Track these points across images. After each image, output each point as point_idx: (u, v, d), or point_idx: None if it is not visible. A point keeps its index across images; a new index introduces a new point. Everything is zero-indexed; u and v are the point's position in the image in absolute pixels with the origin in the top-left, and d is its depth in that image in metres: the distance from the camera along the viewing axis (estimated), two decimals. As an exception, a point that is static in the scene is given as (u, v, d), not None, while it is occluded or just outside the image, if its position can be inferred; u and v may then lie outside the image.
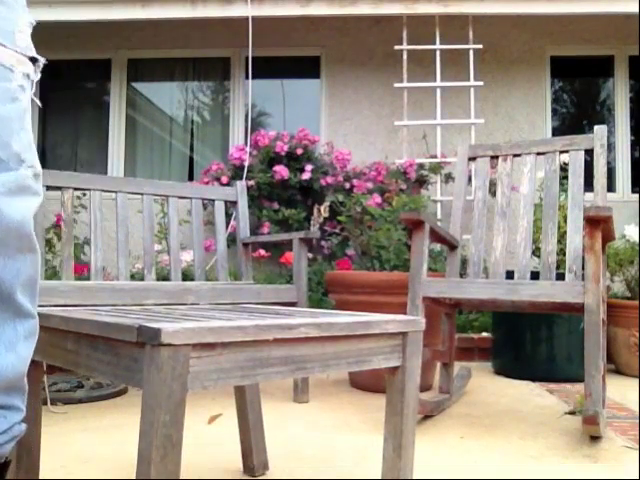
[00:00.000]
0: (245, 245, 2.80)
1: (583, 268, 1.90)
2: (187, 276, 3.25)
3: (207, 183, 4.21)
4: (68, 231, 2.40)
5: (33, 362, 1.18)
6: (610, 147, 4.77)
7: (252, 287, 2.43)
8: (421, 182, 4.28)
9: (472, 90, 4.30)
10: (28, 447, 1.19)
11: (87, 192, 2.51)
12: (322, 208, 3.75)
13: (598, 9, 4.10)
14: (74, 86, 5.14)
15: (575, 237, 2.17)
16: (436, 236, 2.23)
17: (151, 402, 0.84)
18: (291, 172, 4.14)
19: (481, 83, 4.30)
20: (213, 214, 2.81)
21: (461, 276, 2.48)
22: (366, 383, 2.61)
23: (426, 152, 4.45)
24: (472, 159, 2.54)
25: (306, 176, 4.09)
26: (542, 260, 2.21)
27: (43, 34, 4.97)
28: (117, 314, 1.10)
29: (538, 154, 2.38)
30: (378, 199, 3.90)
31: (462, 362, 3.22)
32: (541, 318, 2.94)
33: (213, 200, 2.80)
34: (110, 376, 0.95)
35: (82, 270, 2.99)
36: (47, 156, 5.11)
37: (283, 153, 4.16)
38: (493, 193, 3.65)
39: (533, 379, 2.93)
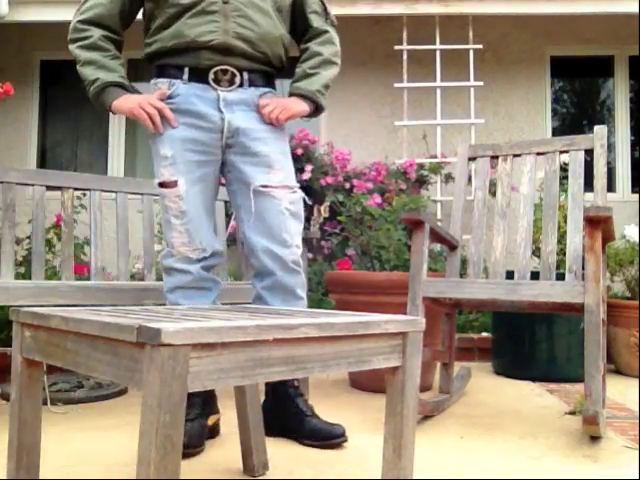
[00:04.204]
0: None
1: (583, 268, 1.90)
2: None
3: (207, 183, 4.20)
4: (68, 231, 2.40)
5: (33, 362, 1.18)
6: (610, 147, 4.77)
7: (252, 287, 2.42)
8: (421, 182, 4.27)
9: (472, 90, 4.30)
10: (28, 447, 1.19)
11: (87, 192, 2.51)
12: (322, 208, 3.75)
13: (598, 9, 4.10)
14: (74, 86, 5.14)
15: (575, 237, 2.17)
16: (436, 236, 2.23)
17: (151, 402, 0.84)
18: (291, 172, 4.13)
19: (481, 83, 4.30)
20: (213, 214, 2.81)
21: (461, 276, 2.48)
22: (366, 383, 2.61)
23: (426, 152, 4.44)
24: (472, 159, 2.53)
25: (306, 176, 4.09)
26: (542, 260, 2.21)
27: (44, 34, 4.98)
28: (117, 314, 1.10)
29: (538, 154, 2.38)
30: (378, 199, 3.90)
31: (462, 362, 3.22)
32: (541, 318, 2.94)
33: (213, 200, 2.80)
34: (110, 376, 0.95)
35: (82, 270, 2.99)
36: (47, 156, 5.11)
37: (283, 153, 4.15)
38: (493, 193, 3.65)
39: (533, 379, 2.93)
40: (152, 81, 1.88)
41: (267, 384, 1.88)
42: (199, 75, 1.80)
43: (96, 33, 1.83)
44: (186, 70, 1.80)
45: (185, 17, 1.77)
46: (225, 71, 1.80)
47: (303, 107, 1.90)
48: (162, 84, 1.83)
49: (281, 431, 1.83)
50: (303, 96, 1.90)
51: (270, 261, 1.81)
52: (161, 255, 1.86)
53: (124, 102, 1.81)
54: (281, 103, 1.87)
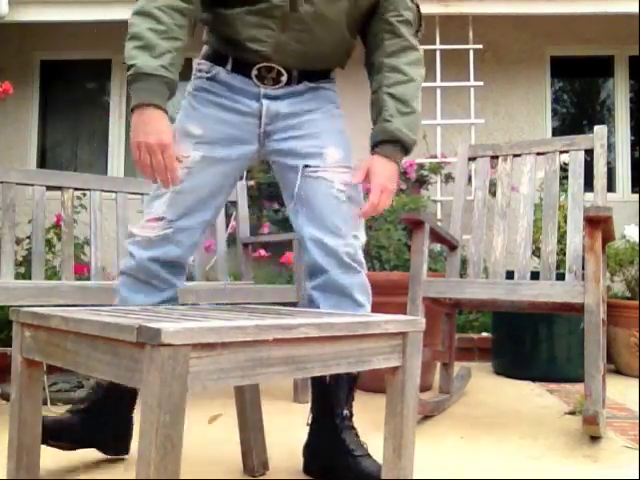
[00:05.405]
0: (245, 245, 2.80)
1: (583, 268, 1.90)
2: (187, 276, 3.25)
3: (207, 183, 4.20)
4: (68, 231, 2.40)
5: (33, 362, 1.18)
6: (610, 147, 4.77)
7: (252, 287, 2.43)
8: (421, 182, 4.27)
9: (472, 90, 4.29)
10: (28, 447, 1.19)
11: (87, 192, 2.51)
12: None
13: (598, 9, 4.10)
14: (74, 86, 5.14)
15: (575, 237, 2.17)
16: (436, 236, 2.23)
17: (151, 402, 0.84)
18: (291, 172, 4.12)
19: (481, 83, 4.29)
20: (213, 214, 2.81)
21: (461, 276, 2.48)
22: (366, 383, 2.61)
23: (426, 152, 4.44)
24: (472, 159, 2.54)
25: (306, 176, 4.08)
26: (542, 260, 2.21)
27: (44, 34, 4.97)
28: (117, 314, 1.10)
29: (538, 154, 2.38)
30: (378, 199, 3.89)
31: (462, 362, 3.21)
32: (541, 318, 2.94)
33: (213, 200, 2.80)
34: (110, 376, 0.95)
35: (82, 270, 2.99)
36: (47, 156, 5.11)
37: (283, 153, 4.14)
38: (493, 193, 3.64)
39: (533, 379, 2.93)
40: (195, 60, 1.67)
41: (312, 410, 1.60)
42: (243, 68, 1.58)
43: None
44: (230, 61, 1.58)
45: (243, 9, 1.50)
46: (270, 69, 1.56)
47: (397, 163, 1.58)
48: (204, 66, 1.61)
49: (321, 473, 1.53)
50: (402, 144, 1.57)
51: (321, 255, 1.51)
52: None
53: (140, 123, 1.38)
54: (384, 187, 1.52)
